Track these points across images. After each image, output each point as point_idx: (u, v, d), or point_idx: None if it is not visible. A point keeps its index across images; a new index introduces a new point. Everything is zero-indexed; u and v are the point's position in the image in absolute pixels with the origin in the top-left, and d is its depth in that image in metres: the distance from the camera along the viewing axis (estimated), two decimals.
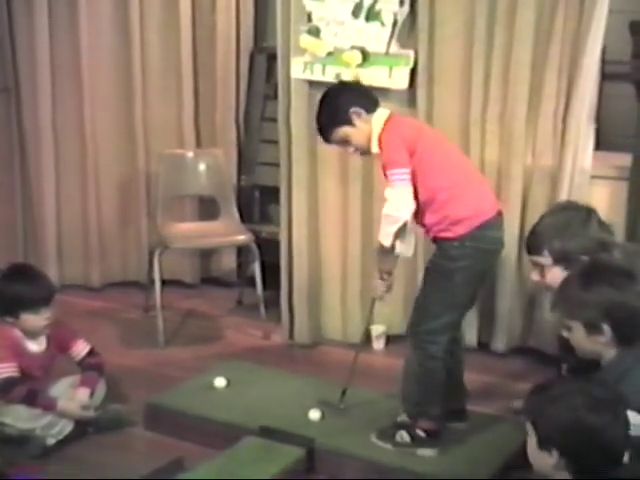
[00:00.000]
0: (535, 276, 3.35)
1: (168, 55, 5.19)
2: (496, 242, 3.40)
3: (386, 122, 3.37)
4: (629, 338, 2.74)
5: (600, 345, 2.76)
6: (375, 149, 3.38)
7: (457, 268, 3.29)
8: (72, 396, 3.63)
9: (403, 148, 3.27)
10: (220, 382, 3.88)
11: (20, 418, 3.52)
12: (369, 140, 3.38)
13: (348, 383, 3.68)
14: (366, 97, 3.46)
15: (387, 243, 3.28)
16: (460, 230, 3.27)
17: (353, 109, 3.37)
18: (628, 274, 2.81)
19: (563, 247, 3.19)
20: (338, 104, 3.42)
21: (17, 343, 3.63)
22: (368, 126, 3.37)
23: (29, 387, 3.56)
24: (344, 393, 3.67)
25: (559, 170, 4.12)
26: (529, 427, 2.42)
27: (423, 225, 3.37)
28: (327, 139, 3.48)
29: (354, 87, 3.69)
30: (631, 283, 2.77)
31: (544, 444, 2.36)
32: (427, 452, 3.39)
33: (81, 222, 5.37)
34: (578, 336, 2.79)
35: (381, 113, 3.41)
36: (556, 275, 3.23)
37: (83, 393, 3.65)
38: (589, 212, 3.29)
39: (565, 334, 2.86)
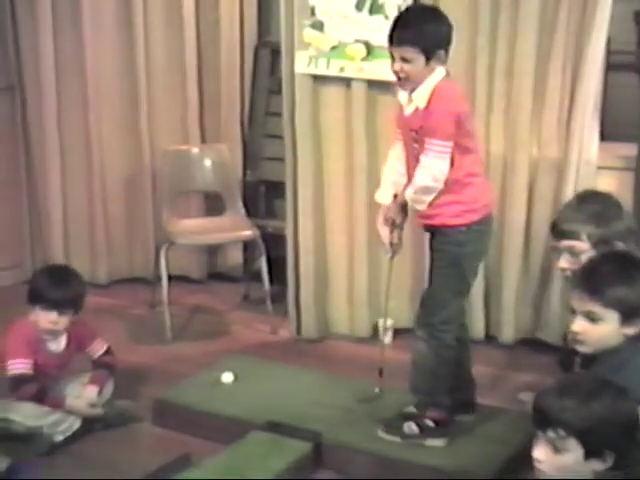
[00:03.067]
0: (564, 262, 3.29)
1: (172, 51, 5.18)
2: (491, 223, 3.46)
3: (440, 84, 3.25)
4: None
5: (623, 337, 2.71)
6: (420, 99, 3.27)
7: (465, 253, 3.31)
8: (80, 393, 3.65)
9: (453, 120, 3.21)
10: (227, 377, 3.89)
11: (28, 415, 3.53)
12: (419, 83, 3.26)
13: (382, 362, 3.67)
14: (450, 45, 3.32)
15: (423, 207, 3.28)
16: (473, 217, 3.30)
17: (442, 51, 3.26)
18: None
19: (602, 232, 3.16)
20: (439, 35, 3.26)
21: (35, 339, 3.65)
22: (430, 72, 3.25)
23: (39, 386, 3.57)
24: (381, 373, 3.66)
25: (565, 161, 4.11)
26: (570, 442, 2.35)
27: (429, 206, 3.31)
28: (398, 44, 3.27)
29: (450, 27, 3.35)
30: None
31: (595, 450, 2.34)
32: (436, 442, 3.39)
33: (87, 219, 5.38)
34: (606, 328, 2.71)
35: (440, 70, 3.29)
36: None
37: (91, 390, 3.67)
38: (619, 202, 3.28)
39: (579, 327, 2.79)
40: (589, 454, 2.36)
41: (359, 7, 4.23)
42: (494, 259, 4.35)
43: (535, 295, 4.36)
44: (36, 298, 3.62)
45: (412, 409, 3.46)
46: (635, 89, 4.33)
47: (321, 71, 4.33)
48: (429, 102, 3.25)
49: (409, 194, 3.29)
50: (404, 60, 3.26)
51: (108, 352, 3.84)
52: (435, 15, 3.36)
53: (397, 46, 3.27)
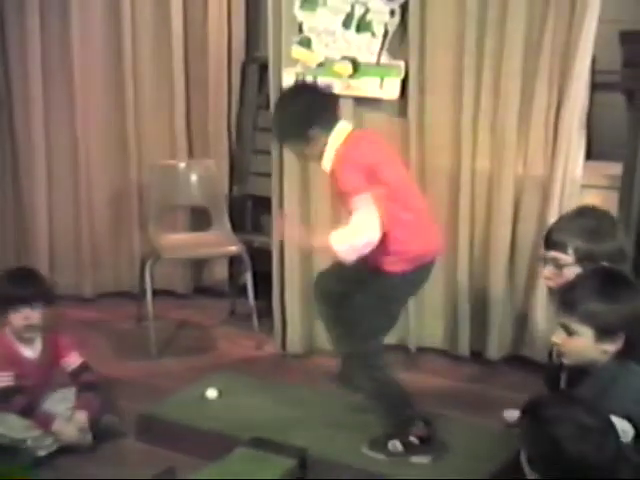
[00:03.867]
0: (548, 272, 3.30)
1: (160, 66, 5.21)
2: (430, 268, 3.46)
3: (342, 145, 3.30)
4: (634, 349, 2.74)
5: (601, 353, 2.75)
6: (327, 166, 3.32)
7: (396, 296, 3.43)
8: (70, 416, 3.62)
9: (362, 173, 3.20)
10: (212, 393, 3.88)
11: (13, 428, 3.52)
12: (322, 155, 3.32)
13: None
14: (327, 111, 3.35)
15: (352, 258, 3.22)
16: (405, 267, 3.32)
17: (312, 130, 3.28)
18: (636, 286, 2.82)
19: (590, 249, 3.14)
20: (299, 120, 3.30)
21: (10, 350, 3.64)
22: (323, 144, 3.31)
23: (28, 399, 3.57)
24: None
25: (550, 179, 4.14)
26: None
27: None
28: (281, 145, 3.49)
29: (316, 98, 3.42)
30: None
31: (531, 465, 2.40)
32: (422, 459, 3.40)
33: (73, 232, 5.38)
34: (581, 342, 2.75)
35: (338, 132, 3.32)
36: (571, 275, 3.22)
37: (81, 416, 3.62)
38: (616, 219, 3.27)
39: (558, 338, 2.83)
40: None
41: (346, 25, 4.26)
42: (479, 276, 4.38)
43: (520, 312, 4.38)
44: (6, 303, 3.63)
45: (395, 428, 3.45)
46: (620, 109, 4.35)
47: None
48: (333, 168, 3.31)
49: (340, 249, 3.23)
50: (295, 151, 3.51)
51: (85, 368, 3.80)
52: (291, 97, 3.47)
53: (286, 147, 3.55)
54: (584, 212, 3.41)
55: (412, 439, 3.42)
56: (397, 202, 3.29)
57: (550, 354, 3.27)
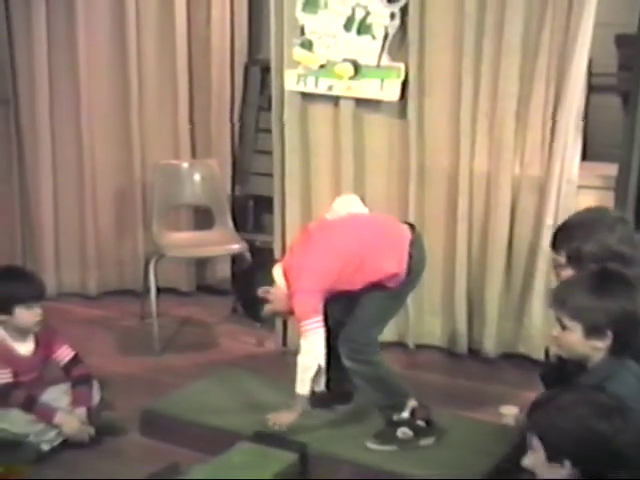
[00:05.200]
0: (555, 273, 3.31)
1: (164, 67, 5.25)
2: (420, 270, 3.54)
3: (286, 279, 3.44)
4: (624, 347, 2.76)
5: (593, 349, 2.77)
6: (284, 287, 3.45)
7: (392, 305, 3.54)
8: (71, 410, 3.65)
9: (315, 299, 3.34)
10: None
11: (16, 423, 3.55)
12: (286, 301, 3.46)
13: None
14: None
15: (305, 392, 3.37)
16: (391, 284, 3.43)
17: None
18: (633, 285, 2.85)
19: (577, 249, 3.13)
20: None
21: (5, 348, 3.66)
22: (279, 295, 3.47)
23: (27, 393, 3.59)
24: None
25: (547, 180, 4.18)
26: (535, 441, 2.45)
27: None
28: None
29: None
30: (637, 294, 2.79)
31: (555, 456, 2.40)
32: (428, 441, 3.48)
33: (78, 231, 5.42)
34: (573, 337, 2.78)
35: (276, 276, 3.46)
36: (567, 277, 3.26)
37: (80, 412, 3.65)
38: (615, 221, 3.20)
39: (555, 332, 2.89)
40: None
41: (347, 27, 4.29)
42: (477, 274, 4.42)
43: (517, 309, 4.42)
44: (14, 302, 3.62)
45: (403, 415, 3.49)
46: (616, 110, 4.41)
47: (310, 89, 4.38)
48: (287, 287, 3.44)
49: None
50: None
51: (77, 360, 3.81)
52: None
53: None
54: (584, 211, 3.43)
55: (419, 423, 3.48)
56: (348, 276, 3.41)
57: (547, 352, 3.32)
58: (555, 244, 3.26)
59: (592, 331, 2.74)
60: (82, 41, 5.16)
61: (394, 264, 3.42)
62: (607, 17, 4.23)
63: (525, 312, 4.39)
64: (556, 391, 2.58)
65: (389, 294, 3.46)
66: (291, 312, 3.48)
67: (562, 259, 3.19)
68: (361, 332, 3.44)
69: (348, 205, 3.72)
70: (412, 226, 3.59)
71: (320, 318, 3.33)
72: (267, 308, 3.51)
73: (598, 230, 3.14)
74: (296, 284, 3.38)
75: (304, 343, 3.35)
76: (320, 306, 3.34)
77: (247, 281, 3.59)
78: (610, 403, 2.41)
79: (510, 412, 3.68)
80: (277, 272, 3.48)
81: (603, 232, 3.14)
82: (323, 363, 3.33)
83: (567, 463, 2.37)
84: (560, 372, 3.05)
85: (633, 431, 2.38)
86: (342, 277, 3.39)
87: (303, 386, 3.37)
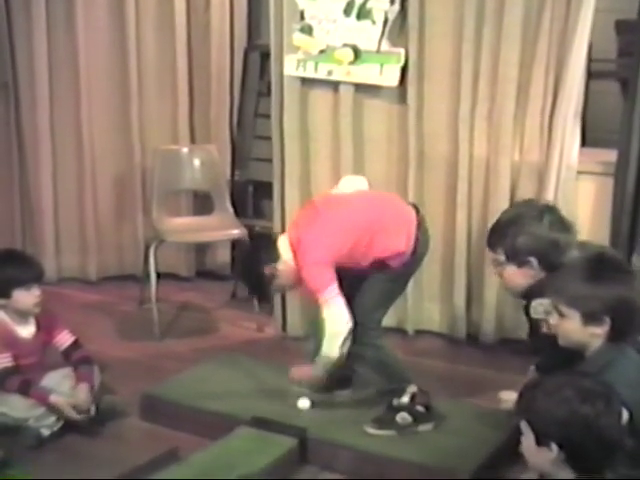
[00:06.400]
0: (495, 271, 3.43)
1: (163, 52, 5.25)
2: (418, 252, 3.53)
3: (293, 250, 3.45)
4: (622, 333, 2.79)
5: (591, 336, 2.79)
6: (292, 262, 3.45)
7: (397, 284, 3.56)
8: (71, 392, 3.64)
9: (325, 269, 3.35)
10: (304, 403, 3.71)
11: (16, 408, 3.55)
12: (295, 274, 3.47)
13: None
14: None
15: (334, 354, 3.40)
16: (394, 263, 3.45)
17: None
18: (630, 272, 2.87)
19: (512, 245, 3.23)
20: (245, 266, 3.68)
21: (6, 331, 3.66)
22: (286, 267, 3.47)
23: (23, 377, 3.59)
24: None
25: (546, 166, 4.18)
26: (524, 426, 2.48)
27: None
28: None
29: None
30: (633, 280, 2.82)
31: (542, 440, 2.43)
32: (427, 426, 3.49)
33: (78, 216, 5.43)
34: (570, 325, 2.81)
35: (283, 248, 3.48)
36: (510, 274, 3.29)
37: (83, 388, 3.64)
38: (542, 211, 3.30)
39: (553, 321, 2.89)
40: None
41: (347, 12, 4.28)
42: (476, 260, 4.43)
43: None
44: (12, 284, 3.63)
45: (402, 400, 3.51)
46: (615, 96, 4.40)
47: (309, 74, 4.38)
48: (295, 260, 3.45)
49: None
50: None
51: (77, 345, 3.81)
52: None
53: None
54: (510, 208, 3.50)
55: (419, 408, 3.49)
56: (366, 254, 3.43)
57: (531, 329, 3.36)
58: (491, 244, 3.32)
59: (589, 318, 2.77)
60: (81, 26, 5.15)
61: (402, 242, 3.44)
62: (607, 3, 4.23)
63: None
64: (546, 377, 2.61)
65: (391, 277, 3.48)
66: (299, 284, 3.50)
67: (501, 257, 3.29)
68: (365, 316, 3.46)
69: (355, 184, 3.77)
70: (417, 208, 3.61)
71: (336, 286, 3.34)
72: (276, 283, 3.52)
73: (527, 222, 3.24)
74: (308, 256, 3.39)
75: (327, 313, 3.36)
76: (334, 276, 3.35)
77: (250, 262, 3.60)
78: (595, 387, 2.43)
79: (509, 397, 3.68)
80: (283, 244, 3.48)
81: (532, 224, 3.24)
82: (351, 325, 3.35)
83: (554, 447, 2.40)
84: (555, 359, 3.08)
85: (617, 416, 2.42)
86: (352, 251, 3.41)
87: (331, 351, 3.39)
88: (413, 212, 3.55)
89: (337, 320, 3.36)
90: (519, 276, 3.28)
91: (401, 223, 3.50)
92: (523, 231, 3.22)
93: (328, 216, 3.49)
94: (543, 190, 4.19)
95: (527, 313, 3.33)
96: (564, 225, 3.28)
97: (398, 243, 3.45)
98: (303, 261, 3.41)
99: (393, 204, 3.61)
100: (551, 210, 3.33)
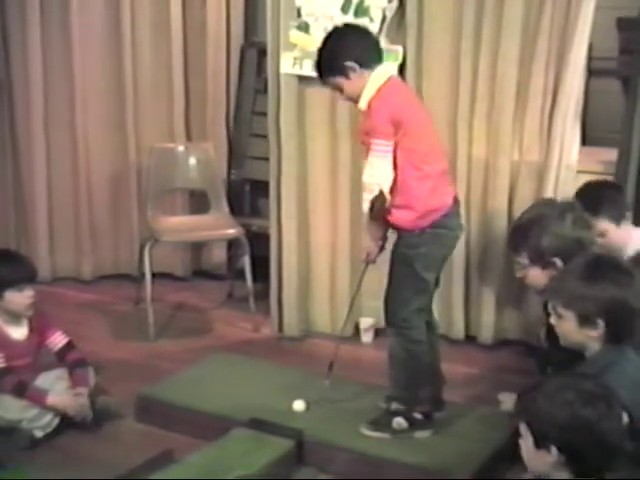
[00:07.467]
0: (519, 274, 3.38)
1: (159, 50, 5.22)
2: (454, 228, 3.43)
3: (382, 86, 3.31)
4: (619, 336, 2.77)
5: (588, 338, 2.78)
6: (363, 106, 3.34)
7: (417, 255, 3.34)
8: (67, 392, 3.62)
9: (390, 122, 3.24)
10: (299, 405, 3.69)
11: (9, 409, 3.53)
12: (360, 94, 3.33)
13: (335, 357, 3.66)
14: (368, 50, 3.37)
15: (365, 209, 3.30)
16: (422, 223, 3.32)
17: (349, 63, 3.30)
18: (629, 273, 2.84)
19: (536, 247, 3.20)
20: (337, 53, 3.33)
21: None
22: (363, 81, 3.31)
23: (19, 378, 3.57)
24: (331, 367, 3.65)
25: (545, 165, 4.16)
26: (524, 428, 2.45)
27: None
28: (323, 81, 3.43)
29: (358, 35, 3.43)
30: (631, 282, 2.79)
31: (542, 442, 2.39)
32: (424, 434, 3.45)
33: (72, 215, 5.40)
34: (568, 326, 2.81)
35: (381, 73, 3.34)
36: (534, 276, 3.26)
37: (82, 391, 3.63)
38: (564, 209, 3.28)
39: (552, 321, 2.88)
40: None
41: (344, 9, 4.27)
42: (475, 260, 4.41)
43: (515, 296, 4.40)
44: (4, 285, 3.60)
45: (399, 405, 3.47)
46: (616, 95, 4.38)
47: (306, 72, 4.34)
48: (369, 104, 3.31)
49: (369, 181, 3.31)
50: (335, 90, 3.42)
51: (71, 346, 3.79)
52: (331, 35, 3.43)
53: (321, 81, 3.45)
54: (530, 208, 3.45)
55: (416, 415, 3.46)
56: (416, 157, 3.30)
57: (538, 338, 3.32)
58: (514, 247, 3.28)
59: (584, 320, 2.76)
60: (76, 23, 5.13)
61: (438, 201, 3.34)
62: (608, 0, 4.20)
63: (523, 299, 4.37)
64: (546, 378, 2.59)
65: (407, 254, 3.36)
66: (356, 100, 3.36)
67: (525, 260, 3.24)
68: (397, 310, 3.39)
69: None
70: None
71: (391, 143, 3.24)
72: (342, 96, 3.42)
73: (550, 222, 3.21)
74: (384, 106, 3.27)
75: (368, 166, 3.26)
76: (392, 142, 3.24)
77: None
78: (596, 390, 2.41)
79: (508, 399, 3.66)
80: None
81: (555, 223, 3.20)
82: (386, 188, 3.24)
83: (554, 449, 2.37)
84: (555, 358, 3.06)
85: (618, 419, 2.39)
86: (417, 156, 3.29)
87: (365, 204, 3.30)
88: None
89: (374, 176, 3.23)
90: (543, 278, 3.24)
91: (449, 187, 3.43)
92: (546, 232, 3.18)
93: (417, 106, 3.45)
94: (542, 190, 4.17)
95: (547, 312, 3.30)
96: (585, 223, 3.25)
97: (447, 197, 3.36)
98: (380, 100, 3.29)
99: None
100: (572, 208, 3.29)
